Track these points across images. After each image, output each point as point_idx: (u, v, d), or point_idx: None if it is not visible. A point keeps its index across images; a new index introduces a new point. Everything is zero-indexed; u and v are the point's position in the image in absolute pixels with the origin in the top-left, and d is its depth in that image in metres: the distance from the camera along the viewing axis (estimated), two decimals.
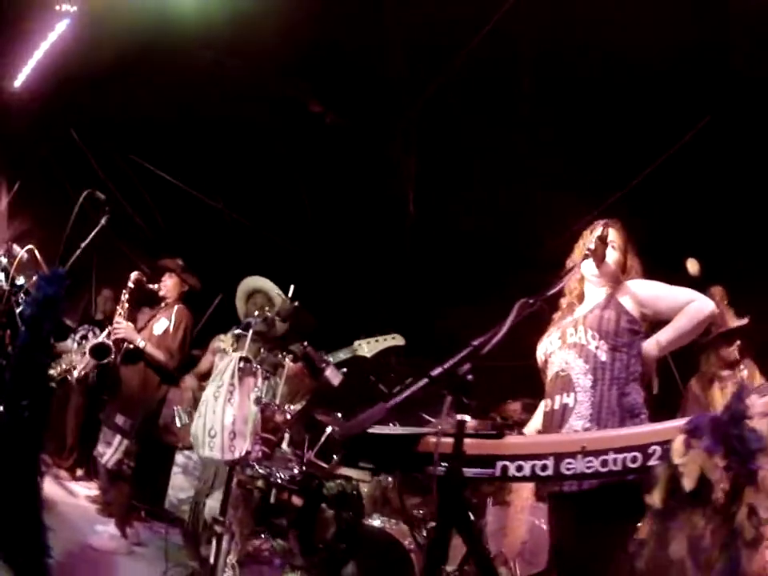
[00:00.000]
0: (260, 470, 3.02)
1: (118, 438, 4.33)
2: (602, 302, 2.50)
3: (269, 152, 5.80)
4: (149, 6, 4.34)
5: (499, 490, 4.14)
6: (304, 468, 2.82)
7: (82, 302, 7.07)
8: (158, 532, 4.75)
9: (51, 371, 5.04)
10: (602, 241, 2.43)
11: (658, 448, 1.61)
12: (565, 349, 2.44)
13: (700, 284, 4.37)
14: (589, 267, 2.54)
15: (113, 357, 4.55)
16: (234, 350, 3.78)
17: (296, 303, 3.48)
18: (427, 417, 4.48)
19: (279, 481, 2.88)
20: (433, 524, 3.45)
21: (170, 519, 4.50)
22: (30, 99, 5.27)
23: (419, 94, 4.83)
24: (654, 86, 4.12)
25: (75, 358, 5.04)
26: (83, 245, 3.72)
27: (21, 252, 4.30)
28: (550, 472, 1.66)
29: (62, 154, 6.26)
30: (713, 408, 3.64)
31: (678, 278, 4.34)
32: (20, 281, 4.64)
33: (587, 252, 2.40)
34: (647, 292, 2.45)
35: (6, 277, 4.44)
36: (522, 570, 3.75)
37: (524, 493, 3.87)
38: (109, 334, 4.59)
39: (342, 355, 3.54)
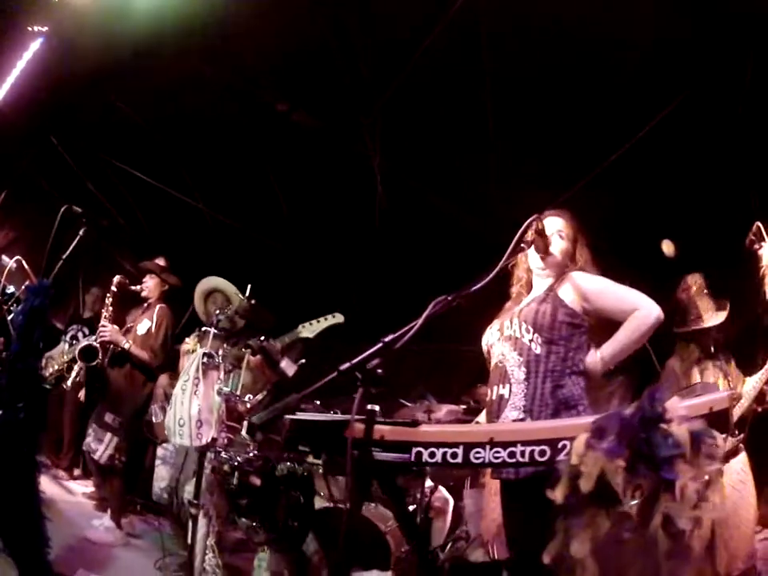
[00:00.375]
0: (223, 455, 3.25)
1: (109, 435, 4.55)
2: (541, 295, 2.51)
3: (242, 150, 5.90)
4: (119, 16, 4.41)
5: (476, 473, 4.16)
6: (257, 452, 3.02)
7: (71, 303, 7.22)
8: (152, 524, 4.93)
9: (44, 372, 5.27)
10: (539, 234, 2.37)
11: (568, 443, 1.61)
12: (502, 341, 2.46)
13: (675, 265, 4.50)
14: (534, 259, 2.56)
15: (100, 359, 4.80)
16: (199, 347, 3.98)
17: (253, 301, 3.67)
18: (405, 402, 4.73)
19: (237, 464, 3.10)
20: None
21: (160, 511, 4.77)
22: (10, 113, 5.40)
23: (383, 87, 4.82)
24: (621, 68, 4.08)
25: (66, 359, 5.25)
26: (64, 256, 3.87)
27: (9, 263, 4.49)
28: (459, 459, 1.71)
29: (46, 163, 6.39)
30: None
31: (653, 260, 4.46)
32: (10, 289, 4.82)
33: (522, 245, 2.30)
34: (591, 286, 2.43)
35: None
36: (500, 552, 3.74)
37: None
38: (96, 337, 4.81)
39: (287, 339, 3.76)
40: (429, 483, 3.90)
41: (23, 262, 4.51)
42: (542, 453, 1.66)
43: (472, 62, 4.34)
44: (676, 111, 4.06)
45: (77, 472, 5.93)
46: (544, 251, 2.47)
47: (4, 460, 2.93)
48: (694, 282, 3.86)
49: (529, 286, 2.66)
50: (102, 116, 5.70)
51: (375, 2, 4.36)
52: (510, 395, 2.33)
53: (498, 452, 1.68)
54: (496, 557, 3.74)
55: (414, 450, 1.73)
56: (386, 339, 1.80)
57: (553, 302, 2.41)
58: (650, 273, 4.14)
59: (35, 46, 4.49)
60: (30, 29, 4.36)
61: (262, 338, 3.67)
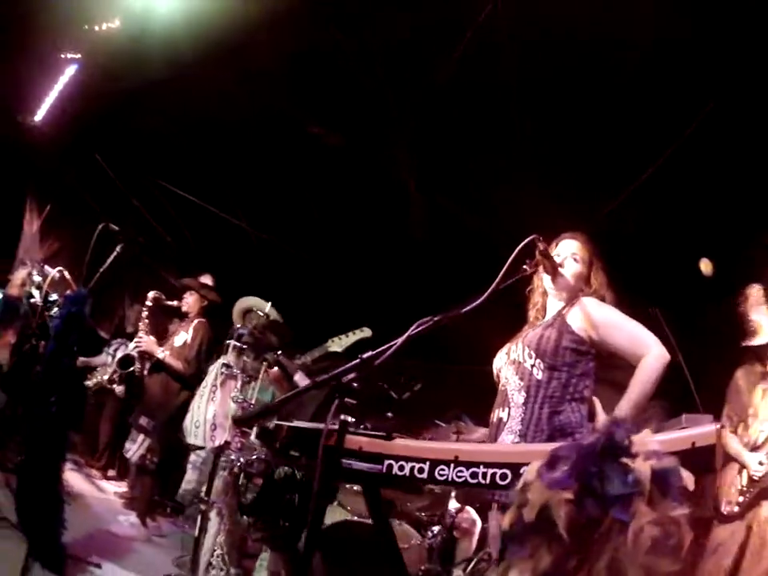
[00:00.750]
0: (232, 457, 3.45)
1: (142, 436, 4.90)
2: (549, 320, 2.49)
3: (280, 169, 6.10)
4: (154, 37, 4.65)
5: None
6: (261, 456, 3.20)
7: (115, 317, 7.58)
8: (180, 526, 5.16)
9: (88, 382, 5.66)
10: (544, 255, 2.34)
11: None
12: (507, 365, 2.45)
13: (712, 284, 4.45)
14: (546, 281, 2.53)
15: (137, 367, 5.19)
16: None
17: (270, 318, 3.88)
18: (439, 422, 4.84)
19: (242, 465, 3.30)
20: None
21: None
22: (52, 131, 5.80)
23: (410, 102, 4.90)
24: (645, 82, 4.02)
25: (109, 372, 5.62)
26: (102, 269, 4.21)
27: (52, 272, 4.85)
28: (425, 475, 1.74)
29: (91, 178, 6.73)
30: (752, 408, 3.58)
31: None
32: (53, 297, 5.18)
33: (526, 268, 2.27)
34: (600, 316, 2.38)
35: (41, 293, 4.98)
36: None
37: None
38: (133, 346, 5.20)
39: (317, 353, 3.91)
40: (456, 504, 3.99)
41: (65, 272, 4.84)
42: (503, 476, 1.64)
43: (498, 75, 4.38)
44: (705, 122, 3.99)
45: (111, 473, 6.20)
46: (552, 273, 2.46)
47: (33, 447, 3.23)
48: (750, 293, 3.72)
49: (544, 310, 2.63)
50: (143, 135, 6.01)
51: (400, 21, 4.44)
52: (508, 419, 2.33)
53: (460, 471, 1.69)
54: None
55: (386, 461, 1.79)
56: (364, 356, 1.90)
57: (559, 327, 2.39)
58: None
59: (70, 70, 4.86)
60: (62, 56, 4.71)
61: (279, 352, 3.83)
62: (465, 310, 2.01)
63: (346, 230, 6.37)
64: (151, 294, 5.32)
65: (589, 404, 2.37)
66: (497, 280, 2.08)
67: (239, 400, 3.71)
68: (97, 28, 4.47)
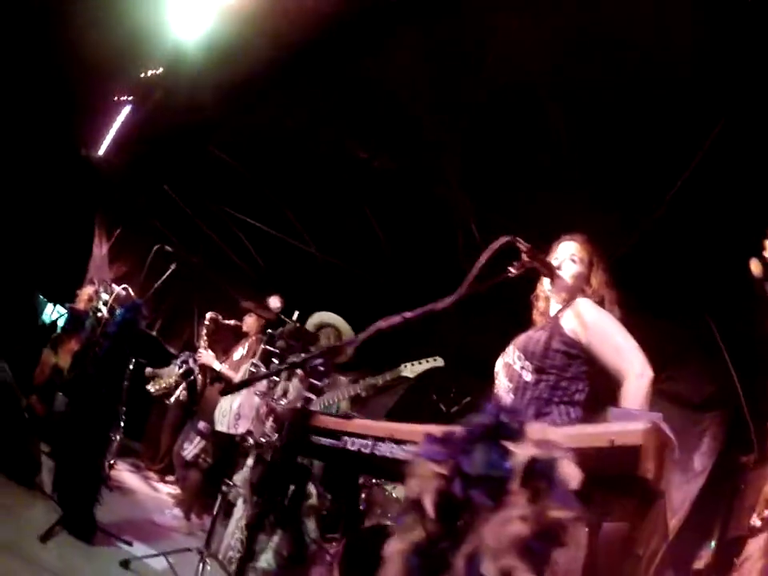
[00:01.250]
0: (250, 442, 3.84)
1: (198, 438, 5.39)
2: (543, 323, 2.49)
3: (342, 193, 6.40)
4: (214, 70, 5.02)
5: None
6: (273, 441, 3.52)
7: (185, 332, 8.24)
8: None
9: (150, 387, 6.28)
10: (531, 256, 2.25)
11: None
12: (502, 368, 2.45)
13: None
14: (546, 284, 2.54)
15: (197, 376, 5.85)
16: None
17: (297, 324, 4.24)
18: None
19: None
20: None
21: None
22: (116, 163, 6.48)
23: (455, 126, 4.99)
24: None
25: (173, 378, 6.25)
26: (156, 285, 4.83)
27: (118, 289, 5.47)
28: (368, 450, 1.90)
29: (160, 205, 7.35)
30: None
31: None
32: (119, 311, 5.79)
33: (510, 270, 2.20)
34: (591, 318, 2.32)
35: (107, 309, 5.58)
36: None
37: None
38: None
39: (388, 376, 4.03)
40: None
41: (129, 290, 5.43)
42: None
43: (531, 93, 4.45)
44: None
45: (169, 478, 6.56)
46: (549, 275, 2.44)
47: (78, 426, 3.76)
48: None
49: (546, 314, 2.60)
50: (207, 165, 6.54)
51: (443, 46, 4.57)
52: None
53: (392, 447, 1.83)
54: None
55: (343, 438, 2.01)
56: (332, 346, 2.21)
57: (551, 329, 2.36)
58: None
59: (126, 110, 5.54)
60: (115, 98, 5.39)
61: (302, 354, 4.19)
62: (432, 308, 2.00)
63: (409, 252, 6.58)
64: (209, 315, 5.93)
65: (586, 408, 2.26)
66: (467, 281, 2.00)
67: (261, 394, 4.13)
68: (149, 72, 5.09)
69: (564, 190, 4.83)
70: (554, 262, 2.49)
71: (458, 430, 1.47)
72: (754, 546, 3.27)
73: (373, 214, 6.45)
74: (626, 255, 4.74)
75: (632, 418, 1.68)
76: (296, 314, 4.63)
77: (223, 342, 6.17)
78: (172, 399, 6.22)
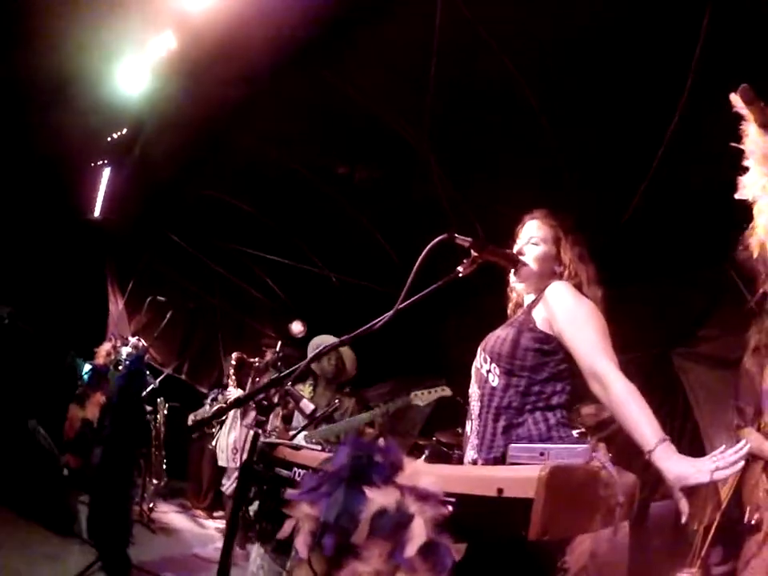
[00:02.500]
0: None
1: (237, 473, 5.58)
2: (512, 318, 2.22)
3: (338, 211, 6.45)
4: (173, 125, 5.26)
5: None
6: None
7: (215, 371, 8.44)
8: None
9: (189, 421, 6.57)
10: (478, 250, 2.02)
11: None
12: (473, 373, 2.18)
13: None
14: (511, 276, 2.23)
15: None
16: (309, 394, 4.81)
17: (279, 354, 4.41)
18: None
19: None
20: None
21: None
22: (114, 220, 6.76)
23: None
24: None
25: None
26: (156, 334, 5.11)
27: (132, 340, 5.74)
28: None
29: (170, 254, 7.57)
30: None
31: None
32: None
33: (459, 270, 2.02)
34: (563, 306, 2.01)
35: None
36: None
37: None
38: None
39: (400, 403, 4.31)
40: None
41: (142, 340, 5.69)
42: None
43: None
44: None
45: (218, 514, 6.72)
46: (510, 264, 2.19)
47: (104, 472, 4.02)
48: None
49: (520, 308, 2.30)
50: (204, 206, 6.74)
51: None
52: (470, 433, 2.09)
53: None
54: None
55: (293, 468, 2.04)
56: (273, 377, 2.25)
57: (520, 325, 2.07)
58: None
59: (106, 173, 5.87)
60: (94, 164, 5.71)
61: (290, 383, 4.33)
62: (371, 327, 1.95)
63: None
64: (234, 354, 6.30)
65: (570, 410, 2.04)
66: (404, 289, 1.93)
67: (249, 425, 4.31)
68: (118, 134, 5.37)
69: (549, 170, 4.78)
70: (516, 248, 2.23)
71: (325, 464, 1.43)
72: (756, 544, 3.11)
73: (374, 226, 6.51)
74: (631, 220, 4.83)
75: (535, 456, 1.43)
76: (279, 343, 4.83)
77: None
78: (214, 443, 6.42)
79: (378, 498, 1.26)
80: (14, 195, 5.76)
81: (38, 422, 4.96)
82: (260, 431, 2.14)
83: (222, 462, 5.28)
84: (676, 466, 1.53)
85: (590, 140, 4.49)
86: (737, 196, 1.79)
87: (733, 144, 1.81)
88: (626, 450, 5.12)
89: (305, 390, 5.21)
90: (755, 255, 1.76)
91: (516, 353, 2.00)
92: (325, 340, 4.72)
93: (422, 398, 4.28)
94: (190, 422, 6.40)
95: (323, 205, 6.41)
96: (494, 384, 2.01)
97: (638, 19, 3.74)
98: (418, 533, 1.21)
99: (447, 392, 4.29)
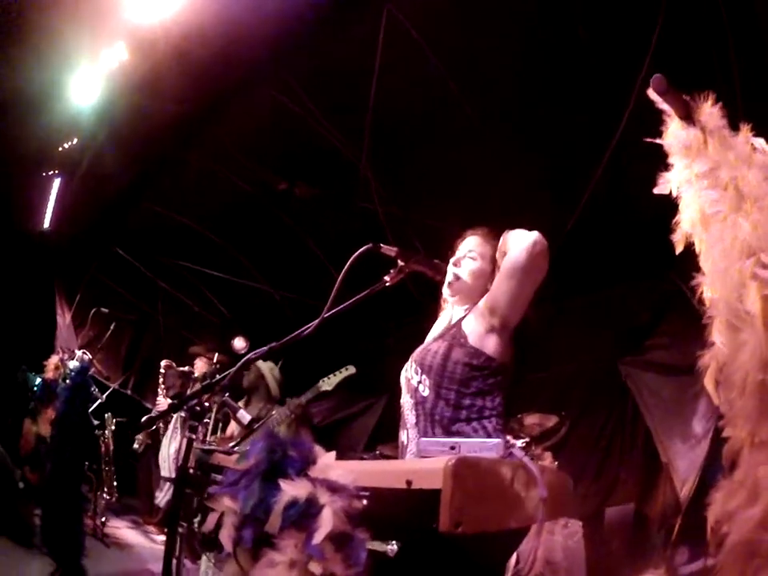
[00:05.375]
0: None
1: (167, 484, 5.62)
2: (442, 330, 2.21)
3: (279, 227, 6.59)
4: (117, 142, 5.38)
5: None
6: None
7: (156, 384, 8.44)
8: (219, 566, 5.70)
9: (135, 445, 6.49)
10: (405, 261, 2.09)
11: None
12: (403, 383, 2.19)
13: None
14: (444, 289, 2.24)
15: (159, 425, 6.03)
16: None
17: (218, 365, 4.44)
18: None
19: None
20: None
21: None
22: (62, 231, 6.76)
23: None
24: None
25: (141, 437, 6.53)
26: (99, 345, 5.16)
27: (78, 353, 5.68)
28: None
29: (116, 268, 7.58)
30: None
31: None
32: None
33: (386, 279, 2.11)
34: (491, 293, 2.04)
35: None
36: None
37: None
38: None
39: (310, 394, 4.38)
40: None
41: (87, 353, 5.64)
42: None
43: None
44: None
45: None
46: (436, 275, 2.21)
47: (54, 489, 4.00)
48: None
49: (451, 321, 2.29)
50: (147, 221, 6.77)
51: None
52: (407, 441, 2.08)
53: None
54: None
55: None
56: (205, 383, 2.21)
57: (451, 339, 2.08)
58: None
59: (56, 184, 5.84)
60: (46, 173, 5.69)
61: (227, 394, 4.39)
62: (298, 335, 1.98)
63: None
64: (163, 363, 6.17)
65: (506, 419, 2.08)
66: (330, 301, 1.98)
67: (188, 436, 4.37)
68: (67, 145, 5.36)
69: (491, 185, 4.84)
70: (452, 259, 2.25)
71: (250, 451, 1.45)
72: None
73: (313, 241, 6.64)
74: (574, 232, 4.94)
75: (445, 450, 1.43)
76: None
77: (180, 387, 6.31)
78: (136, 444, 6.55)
79: (291, 489, 1.30)
80: None
81: None
82: (193, 437, 2.17)
83: (164, 473, 5.28)
84: None
85: (531, 153, 4.62)
86: (655, 191, 1.80)
87: (648, 139, 1.84)
88: (576, 458, 5.30)
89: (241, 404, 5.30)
90: (678, 250, 1.76)
91: (446, 365, 2.01)
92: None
93: (329, 381, 4.39)
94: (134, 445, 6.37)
95: (266, 221, 6.53)
96: (425, 394, 2.02)
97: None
98: (327, 522, 1.24)
99: (351, 370, 4.41)
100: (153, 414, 5.14)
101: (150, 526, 6.58)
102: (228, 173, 5.89)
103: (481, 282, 2.18)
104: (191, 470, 2.05)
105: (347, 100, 4.91)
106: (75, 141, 5.36)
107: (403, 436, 2.11)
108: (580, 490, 4.89)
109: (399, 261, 2.06)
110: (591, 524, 4.42)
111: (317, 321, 1.94)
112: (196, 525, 3.56)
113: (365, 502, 1.29)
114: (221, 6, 4.08)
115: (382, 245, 2.03)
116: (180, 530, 3.97)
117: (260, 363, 4.69)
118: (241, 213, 6.52)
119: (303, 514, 1.27)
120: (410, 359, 2.18)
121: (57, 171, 5.95)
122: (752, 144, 1.69)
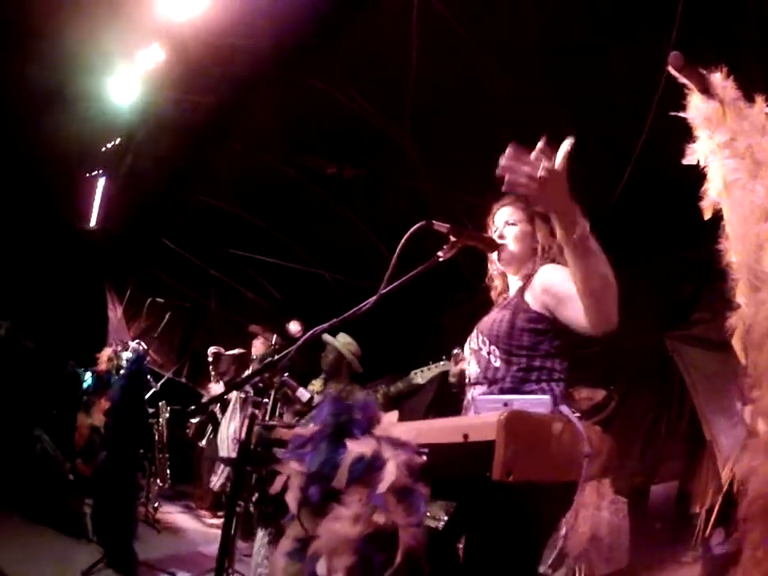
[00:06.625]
0: None
1: (222, 466, 5.77)
2: (506, 300, 2.26)
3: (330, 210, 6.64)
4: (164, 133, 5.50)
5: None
6: None
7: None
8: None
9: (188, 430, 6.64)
10: (457, 235, 2.06)
11: None
12: (470, 354, 2.23)
13: None
14: (495, 260, 2.32)
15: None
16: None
17: (277, 346, 4.49)
18: None
19: None
20: None
21: None
22: (110, 228, 6.97)
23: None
24: None
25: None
26: (155, 334, 5.24)
27: (133, 345, 5.85)
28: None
29: (166, 260, 7.73)
30: None
31: None
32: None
33: (439, 255, 2.06)
34: (552, 277, 2.06)
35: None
36: (597, 568, 3.67)
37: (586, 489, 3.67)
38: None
39: (401, 385, 4.38)
40: None
41: (142, 344, 5.80)
42: None
43: None
44: None
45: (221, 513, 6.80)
46: (491, 248, 2.25)
47: (109, 476, 4.11)
48: None
49: (508, 291, 2.38)
50: (195, 212, 6.91)
51: None
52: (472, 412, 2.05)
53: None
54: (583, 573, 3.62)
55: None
56: (266, 361, 2.31)
57: (514, 307, 2.13)
58: None
59: (101, 183, 6.02)
60: (89, 174, 5.86)
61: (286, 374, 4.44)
62: (358, 310, 1.98)
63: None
64: (210, 349, 6.24)
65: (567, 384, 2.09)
66: (387, 277, 1.96)
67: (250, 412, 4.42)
68: (109, 145, 5.52)
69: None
70: (494, 234, 2.28)
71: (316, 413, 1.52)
72: None
73: (363, 222, 6.65)
74: (617, 205, 4.90)
75: (498, 406, 1.43)
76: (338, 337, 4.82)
77: (235, 372, 6.47)
78: (203, 441, 6.61)
79: (356, 447, 1.37)
80: (8, 207, 5.89)
81: (44, 430, 5.08)
82: (257, 411, 2.25)
83: (222, 453, 5.33)
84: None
85: (573, 126, 4.58)
86: (684, 162, 1.87)
87: (672, 113, 1.90)
88: (624, 434, 5.24)
89: (316, 385, 5.32)
90: (706, 217, 1.83)
91: (513, 333, 2.06)
92: (326, 338, 4.75)
93: (423, 375, 4.29)
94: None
95: (314, 205, 6.59)
96: (497, 364, 2.07)
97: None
98: (390, 474, 1.31)
99: (448, 366, 4.25)
100: (205, 400, 5.23)
101: (202, 510, 6.77)
102: (272, 160, 5.96)
103: (526, 244, 2.26)
104: (253, 447, 2.12)
105: (384, 80, 4.91)
106: (117, 140, 5.51)
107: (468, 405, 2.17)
108: (627, 468, 4.85)
109: (451, 236, 2.08)
110: (636, 501, 4.42)
111: (375, 296, 1.98)
112: (252, 503, 3.64)
113: (425, 457, 1.36)
114: None
115: (434, 221, 2.05)
116: (237, 508, 4.14)
117: (334, 341, 4.66)
118: (287, 198, 6.62)
119: (368, 469, 1.34)
120: (474, 330, 2.24)
121: (101, 171, 6.13)
122: (766, 113, 1.78)
